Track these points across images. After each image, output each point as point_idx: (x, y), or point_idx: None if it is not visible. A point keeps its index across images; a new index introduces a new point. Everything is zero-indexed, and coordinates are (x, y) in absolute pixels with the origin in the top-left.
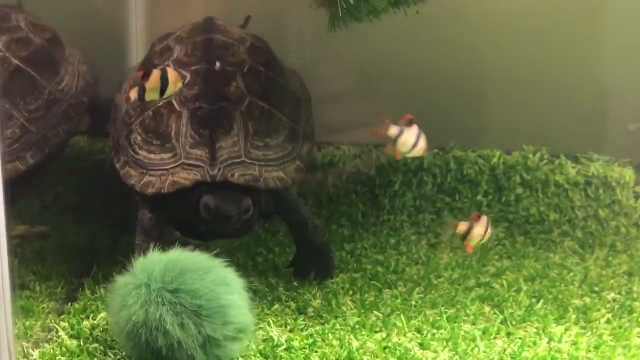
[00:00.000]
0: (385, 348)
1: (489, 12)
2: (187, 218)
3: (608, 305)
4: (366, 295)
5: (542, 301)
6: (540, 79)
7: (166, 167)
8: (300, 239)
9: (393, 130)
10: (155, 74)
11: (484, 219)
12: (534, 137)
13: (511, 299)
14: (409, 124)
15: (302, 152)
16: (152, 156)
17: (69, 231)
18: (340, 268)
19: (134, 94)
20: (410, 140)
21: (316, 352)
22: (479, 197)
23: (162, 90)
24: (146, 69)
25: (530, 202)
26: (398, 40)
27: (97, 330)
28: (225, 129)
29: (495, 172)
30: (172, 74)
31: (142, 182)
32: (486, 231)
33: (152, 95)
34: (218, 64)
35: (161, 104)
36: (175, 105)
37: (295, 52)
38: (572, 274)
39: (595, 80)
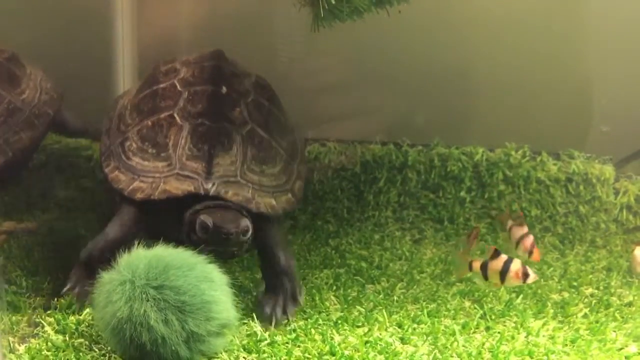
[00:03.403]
0: (366, 342)
1: (474, 12)
2: (170, 232)
3: (585, 300)
4: (349, 291)
5: (521, 296)
6: (523, 77)
7: (158, 175)
8: (267, 270)
9: None
10: (501, 259)
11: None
12: (516, 134)
13: (491, 293)
14: None
15: (294, 187)
16: (146, 163)
17: (55, 227)
18: (325, 264)
19: (476, 265)
20: None
21: (298, 346)
22: (462, 193)
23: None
24: (151, 91)
25: (512, 198)
26: (383, 37)
27: (82, 325)
28: (224, 147)
29: (478, 168)
30: (517, 267)
31: (131, 186)
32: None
33: (493, 276)
34: (224, 88)
35: (162, 115)
36: (177, 118)
37: (281, 48)
38: (551, 268)
39: (577, 79)
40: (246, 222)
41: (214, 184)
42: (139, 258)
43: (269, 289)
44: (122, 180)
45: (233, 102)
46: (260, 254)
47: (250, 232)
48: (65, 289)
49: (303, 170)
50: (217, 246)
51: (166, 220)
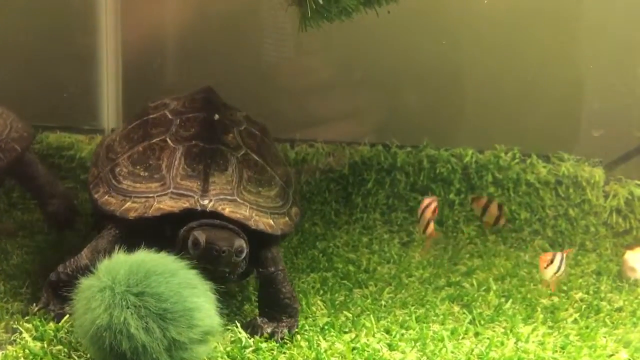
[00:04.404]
0: (353, 349)
1: (464, 13)
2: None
3: (575, 305)
4: (336, 295)
5: (510, 300)
6: (513, 79)
7: (152, 195)
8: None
9: None
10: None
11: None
12: (506, 136)
13: (480, 298)
14: None
15: (291, 212)
16: (138, 185)
17: (35, 229)
18: (312, 267)
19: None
20: None
21: (284, 353)
22: (451, 196)
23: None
24: (141, 121)
25: (502, 201)
26: (372, 38)
27: (61, 332)
28: (219, 167)
29: (468, 170)
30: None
31: (123, 207)
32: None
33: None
34: (217, 116)
35: (154, 140)
36: (170, 142)
37: (268, 48)
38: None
39: (567, 82)
40: (241, 242)
41: (210, 201)
42: (120, 264)
43: (264, 316)
44: (112, 203)
45: (226, 127)
46: (261, 283)
47: (245, 254)
48: (36, 309)
49: (298, 199)
50: (209, 264)
51: (157, 245)
